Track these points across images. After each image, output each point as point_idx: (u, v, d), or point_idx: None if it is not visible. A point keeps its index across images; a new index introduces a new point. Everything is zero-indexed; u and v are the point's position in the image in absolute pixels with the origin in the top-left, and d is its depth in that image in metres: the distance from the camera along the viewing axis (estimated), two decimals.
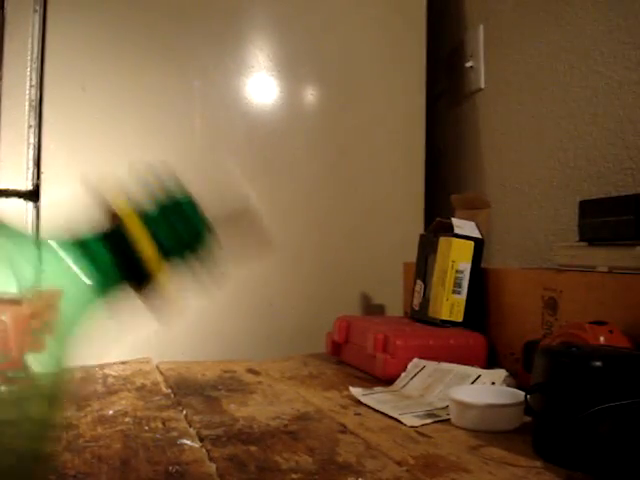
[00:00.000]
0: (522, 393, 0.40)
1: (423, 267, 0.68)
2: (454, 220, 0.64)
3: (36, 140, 0.67)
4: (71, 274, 0.24)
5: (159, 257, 0.25)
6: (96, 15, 0.70)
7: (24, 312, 0.16)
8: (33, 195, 0.67)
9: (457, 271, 0.62)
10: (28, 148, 0.67)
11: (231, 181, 0.73)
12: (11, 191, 0.66)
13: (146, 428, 0.41)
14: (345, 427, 0.42)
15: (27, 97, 0.67)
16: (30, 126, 0.67)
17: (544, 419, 0.36)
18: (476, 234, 0.63)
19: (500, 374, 0.50)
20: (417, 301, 0.68)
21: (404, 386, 0.52)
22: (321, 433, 0.41)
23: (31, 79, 0.67)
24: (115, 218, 0.25)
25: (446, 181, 0.91)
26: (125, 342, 0.68)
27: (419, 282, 0.68)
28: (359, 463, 0.35)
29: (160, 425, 0.42)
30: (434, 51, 0.87)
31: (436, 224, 0.68)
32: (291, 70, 0.77)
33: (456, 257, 0.62)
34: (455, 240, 0.62)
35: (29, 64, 0.67)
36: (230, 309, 0.73)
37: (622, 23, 0.60)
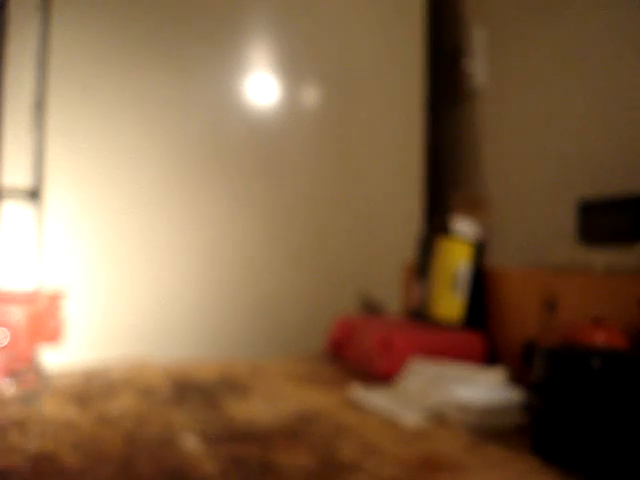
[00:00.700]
0: (521, 393, 0.40)
1: (423, 267, 0.68)
2: (454, 220, 0.64)
3: (39, 140, 0.67)
4: None
5: None
6: (99, 16, 0.70)
7: (37, 310, 0.16)
8: (35, 195, 0.67)
9: (457, 271, 0.62)
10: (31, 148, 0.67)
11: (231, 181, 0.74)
12: (13, 190, 0.66)
13: (147, 428, 0.41)
14: (345, 426, 0.42)
15: (30, 97, 0.67)
16: (33, 126, 0.67)
17: (543, 419, 0.36)
18: (476, 234, 0.63)
19: (499, 373, 0.50)
20: (417, 301, 0.68)
21: (404, 385, 0.53)
22: (321, 432, 0.41)
23: (34, 79, 0.68)
24: None
25: (446, 181, 0.91)
26: (125, 342, 0.68)
27: (419, 282, 0.68)
28: (359, 462, 0.35)
29: (160, 424, 0.42)
30: (434, 51, 0.87)
31: (436, 224, 0.68)
32: (291, 71, 0.78)
33: (456, 257, 0.62)
34: (455, 240, 0.63)
35: (32, 64, 0.68)
36: (230, 309, 0.73)
37: (623, 23, 0.60)
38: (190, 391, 0.52)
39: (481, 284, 0.63)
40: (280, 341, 0.74)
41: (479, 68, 0.84)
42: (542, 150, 0.72)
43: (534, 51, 0.73)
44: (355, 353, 0.64)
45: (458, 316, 0.62)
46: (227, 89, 0.75)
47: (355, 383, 0.55)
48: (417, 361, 0.55)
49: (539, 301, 0.55)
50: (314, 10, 0.79)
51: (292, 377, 0.59)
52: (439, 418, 0.44)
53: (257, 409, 0.47)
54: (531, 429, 0.38)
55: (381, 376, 0.56)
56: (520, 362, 0.52)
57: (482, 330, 0.61)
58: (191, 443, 0.38)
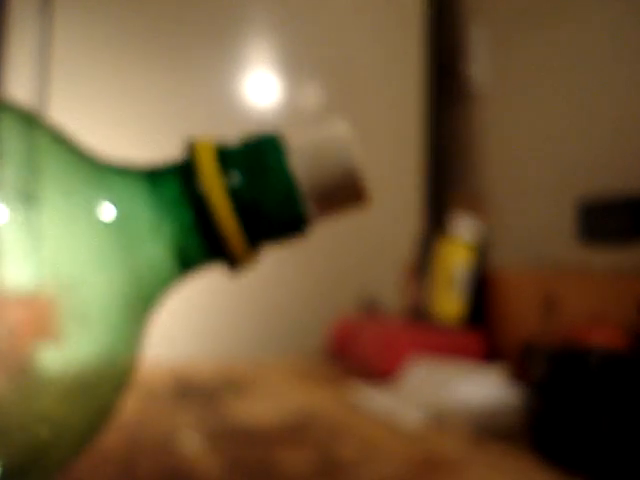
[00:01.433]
0: (521, 393, 0.40)
1: (423, 266, 0.68)
2: (454, 219, 0.64)
3: None
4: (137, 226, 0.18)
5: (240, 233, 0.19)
6: (101, 14, 0.70)
7: (34, 310, 0.16)
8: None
9: (456, 270, 0.62)
10: None
11: None
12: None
13: (147, 427, 0.41)
14: (345, 425, 0.42)
15: (31, 94, 0.67)
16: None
17: (543, 419, 0.37)
18: (476, 233, 0.63)
19: (499, 373, 0.50)
20: (416, 300, 0.68)
21: (403, 384, 0.53)
22: (321, 431, 0.41)
23: (35, 76, 0.68)
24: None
25: (446, 180, 0.91)
26: None
27: (418, 281, 0.68)
28: (359, 461, 0.35)
29: (160, 424, 0.42)
30: (434, 51, 0.87)
31: (436, 224, 0.68)
32: (290, 71, 0.78)
33: (455, 256, 0.62)
34: (455, 239, 0.63)
35: (33, 61, 0.68)
36: (230, 308, 0.73)
37: (626, 22, 0.60)
38: (191, 390, 0.52)
39: (481, 283, 0.63)
40: (280, 340, 0.74)
41: (479, 67, 0.84)
42: (543, 149, 0.72)
43: (536, 50, 0.73)
44: (355, 352, 0.64)
45: (458, 315, 0.62)
46: (227, 88, 0.75)
47: (355, 382, 0.55)
48: (417, 360, 0.55)
49: (539, 300, 0.55)
50: (314, 11, 0.79)
51: (292, 376, 0.59)
52: (439, 417, 0.44)
53: (258, 408, 0.47)
54: (531, 428, 0.38)
55: (381, 375, 0.56)
56: (520, 361, 0.52)
57: (482, 329, 0.61)
58: (192, 442, 0.38)
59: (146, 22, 0.72)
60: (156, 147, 0.72)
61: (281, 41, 0.78)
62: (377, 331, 0.59)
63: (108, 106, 0.70)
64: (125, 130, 0.71)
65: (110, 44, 0.71)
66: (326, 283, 0.78)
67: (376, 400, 0.49)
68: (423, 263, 0.68)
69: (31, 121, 0.18)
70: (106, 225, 0.17)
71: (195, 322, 0.71)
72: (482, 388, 0.48)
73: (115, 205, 0.18)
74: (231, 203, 0.18)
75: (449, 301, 0.62)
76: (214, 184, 0.18)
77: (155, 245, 0.18)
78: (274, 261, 0.78)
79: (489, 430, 0.41)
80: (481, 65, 0.83)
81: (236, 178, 0.18)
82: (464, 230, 0.64)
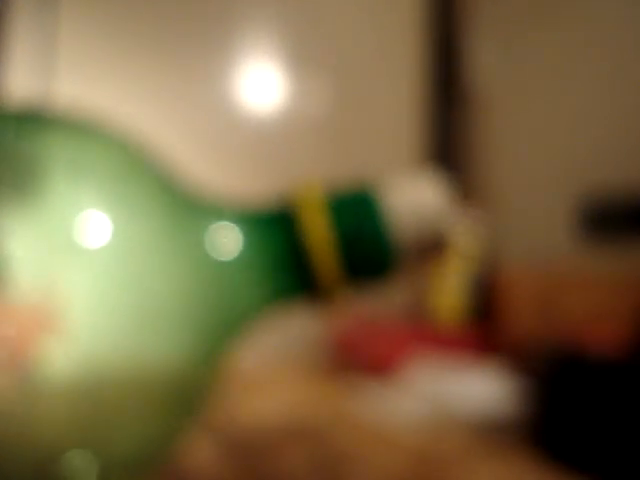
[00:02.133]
0: (521, 392, 0.40)
1: (424, 266, 0.68)
2: (455, 218, 0.64)
3: None
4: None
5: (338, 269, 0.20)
6: (102, 11, 0.70)
7: (43, 311, 0.16)
8: None
9: (456, 270, 0.62)
10: None
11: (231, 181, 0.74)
12: None
13: None
14: (345, 424, 0.42)
15: (35, 90, 0.68)
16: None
17: (543, 418, 0.37)
18: (477, 232, 0.63)
19: (500, 372, 0.50)
20: (416, 300, 0.68)
21: (404, 381, 0.53)
22: (321, 430, 0.41)
23: (38, 71, 0.68)
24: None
25: (447, 181, 0.91)
26: None
27: (420, 279, 0.68)
28: (359, 459, 0.35)
29: None
30: (435, 51, 0.87)
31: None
32: (293, 68, 0.78)
33: (457, 255, 0.62)
34: (454, 239, 0.63)
35: (37, 56, 0.68)
36: None
37: (625, 21, 0.60)
38: None
39: (482, 282, 0.63)
40: (279, 339, 0.74)
41: (482, 66, 0.84)
42: (544, 148, 0.72)
43: (539, 47, 0.73)
44: (355, 351, 0.64)
45: (459, 313, 0.62)
46: (226, 87, 0.75)
47: (356, 380, 0.55)
48: (418, 358, 0.55)
49: (540, 299, 0.55)
50: (313, 12, 0.79)
51: (292, 375, 0.59)
52: (440, 414, 0.44)
53: (257, 407, 0.47)
54: (532, 425, 0.38)
55: (381, 372, 0.56)
56: (520, 360, 0.52)
57: (483, 327, 0.61)
58: (192, 442, 0.38)
59: (146, 17, 0.72)
60: (156, 146, 0.73)
61: (285, 37, 0.78)
62: (378, 329, 0.59)
63: (111, 107, 0.70)
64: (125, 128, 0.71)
65: (111, 39, 0.71)
66: None
67: (377, 398, 0.49)
68: (424, 262, 0.68)
69: (132, 156, 0.19)
70: (201, 264, 0.18)
71: None
72: (483, 386, 0.48)
73: (210, 247, 0.19)
74: (335, 253, 0.20)
75: (450, 299, 0.62)
76: (322, 240, 0.20)
77: (247, 285, 0.19)
78: None
79: (489, 428, 0.41)
80: (484, 64, 0.83)
81: (338, 230, 0.20)
82: (465, 230, 0.64)
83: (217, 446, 0.37)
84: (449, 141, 0.91)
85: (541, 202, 0.72)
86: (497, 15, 0.80)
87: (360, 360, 0.64)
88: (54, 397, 0.16)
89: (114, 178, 0.18)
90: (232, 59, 0.75)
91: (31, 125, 0.18)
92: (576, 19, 0.67)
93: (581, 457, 0.33)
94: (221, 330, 0.19)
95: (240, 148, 0.75)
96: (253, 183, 0.75)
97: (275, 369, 0.62)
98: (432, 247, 0.22)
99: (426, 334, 0.59)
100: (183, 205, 0.19)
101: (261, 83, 0.76)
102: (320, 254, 0.19)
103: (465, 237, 0.63)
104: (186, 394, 0.19)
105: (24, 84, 0.67)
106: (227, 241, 0.19)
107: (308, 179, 0.21)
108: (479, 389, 0.46)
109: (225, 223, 0.19)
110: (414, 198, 0.21)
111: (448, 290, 0.63)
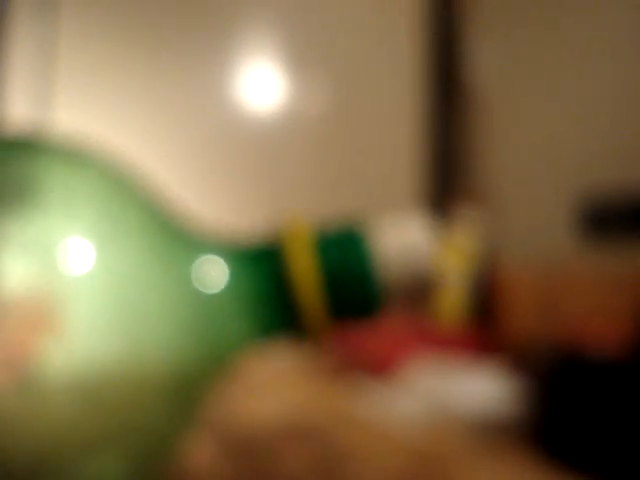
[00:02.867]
0: (521, 392, 0.40)
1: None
2: (455, 218, 0.64)
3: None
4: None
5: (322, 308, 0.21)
6: (102, 13, 0.70)
7: (40, 311, 0.16)
8: None
9: (456, 270, 0.62)
10: None
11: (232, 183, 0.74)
12: None
13: None
14: (346, 424, 0.42)
15: (34, 89, 0.68)
16: (37, 119, 0.67)
17: (543, 418, 0.37)
18: (477, 232, 0.63)
19: (500, 371, 0.50)
20: (417, 298, 0.68)
21: (405, 382, 0.53)
22: (322, 430, 0.41)
23: (39, 71, 0.68)
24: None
25: (448, 181, 0.91)
26: None
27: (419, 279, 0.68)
28: (360, 459, 0.35)
29: None
30: (435, 51, 0.87)
31: (438, 224, 0.68)
32: (288, 70, 0.78)
33: (457, 254, 0.63)
34: (454, 239, 0.63)
35: (37, 56, 0.68)
36: None
37: (625, 21, 0.60)
38: None
39: (482, 281, 0.63)
40: (280, 339, 0.74)
41: (482, 66, 0.84)
42: (544, 147, 0.72)
43: (539, 46, 0.73)
44: (355, 351, 0.64)
45: (459, 313, 0.62)
46: (226, 86, 0.75)
47: (356, 380, 0.55)
48: (418, 358, 0.55)
49: (540, 298, 0.55)
50: (314, 13, 0.79)
51: (291, 375, 0.59)
52: (440, 414, 0.44)
53: (257, 407, 0.47)
54: (532, 425, 0.38)
55: (382, 373, 0.56)
56: (520, 360, 0.52)
57: (483, 327, 0.61)
58: (193, 441, 0.38)
59: (146, 19, 0.72)
60: (156, 146, 0.73)
61: (285, 38, 0.78)
62: (377, 330, 0.59)
63: (112, 107, 0.70)
64: (125, 129, 0.71)
65: (111, 40, 0.71)
66: None
67: (377, 397, 0.49)
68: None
69: (120, 183, 0.19)
70: (188, 298, 0.18)
71: None
72: (483, 386, 0.48)
73: (197, 279, 0.19)
74: (320, 291, 0.20)
75: (450, 298, 0.62)
76: (307, 277, 0.20)
77: (233, 318, 0.20)
78: None
79: (489, 427, 0.41)
80: (484, 64, 0.83)
81: (324, 268, 0.20)
82: (465, 230, 0.64)
83: (218, 446, 0.37)
84: (449, 141, 0.91)
85: (541, 202, 0.72)
86: (497, 15, 0.81)
87: (361, 360, 0.64)
88: (54, 397, 0.16)
89: (104, 206, 0.18)
90: (232, 59, 0.75)
91: (25, 150, 0.18)
92: (576, 19, 0.67)
93: (581, 457, 0.33)
94: (206, 361, 0.19)
95: (240, 147, 0.75)
96: (253, 183, 0.75)
97: (276, 369, 0.62)
98: (419, 289, 0.22)
99: (426, 334, 0.59)
100: (172, 236, 0.19)
101: (261, 83, 0.76)
102: (305, 292, 0.20)
103: (465, 237, 0.63)
104: (185, 395, 0.19)
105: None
106: (214, 274, 0.19)
107: (297, 214, 0.22)
108: (479, 389, 0.46)
109: (212, 256, 0.19)
110: (402, 240, 0.21)
111: (448, 290, 0.63)
